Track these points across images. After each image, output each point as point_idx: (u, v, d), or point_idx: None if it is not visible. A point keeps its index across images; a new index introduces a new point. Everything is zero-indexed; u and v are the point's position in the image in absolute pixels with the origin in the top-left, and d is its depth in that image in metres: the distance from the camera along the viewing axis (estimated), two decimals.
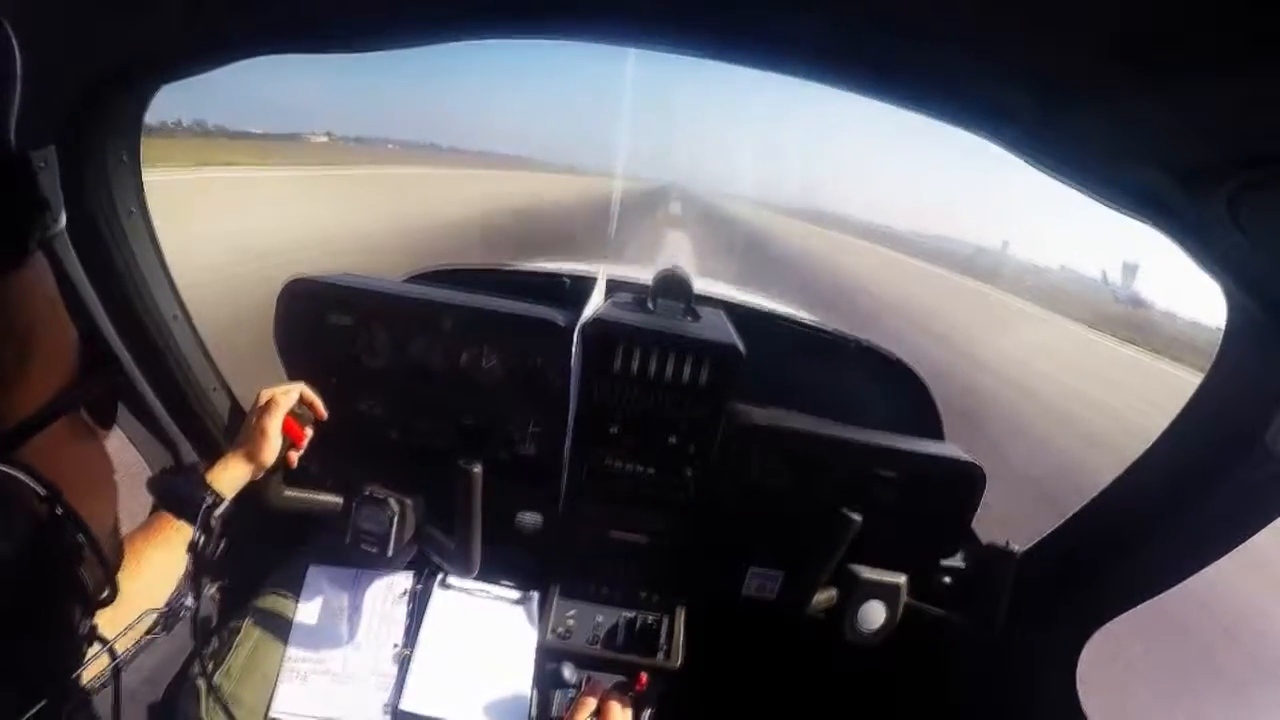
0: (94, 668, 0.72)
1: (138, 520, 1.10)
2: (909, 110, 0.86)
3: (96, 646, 0.65)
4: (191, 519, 1.09)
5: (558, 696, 1.40)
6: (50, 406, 0.51)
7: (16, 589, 0.49)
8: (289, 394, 1.25)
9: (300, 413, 1.27)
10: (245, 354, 1.63)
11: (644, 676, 1.40)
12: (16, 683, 0.51)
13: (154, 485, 1.11)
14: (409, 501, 1.35)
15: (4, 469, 0.47)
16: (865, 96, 0.85)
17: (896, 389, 1.83)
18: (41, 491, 0.49)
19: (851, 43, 0.77)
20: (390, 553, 1.32)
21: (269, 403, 1.21)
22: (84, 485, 0.55)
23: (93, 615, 0.59)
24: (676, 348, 1.39)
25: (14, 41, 0.74)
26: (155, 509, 1.12)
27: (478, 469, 1.25)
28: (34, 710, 0.51)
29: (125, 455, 1.23)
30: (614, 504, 1.53)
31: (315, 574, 1.50)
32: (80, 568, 0.56)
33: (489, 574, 1.49)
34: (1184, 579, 1.14)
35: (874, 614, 1.37)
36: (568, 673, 1.38)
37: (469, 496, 1.26)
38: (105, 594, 0.60)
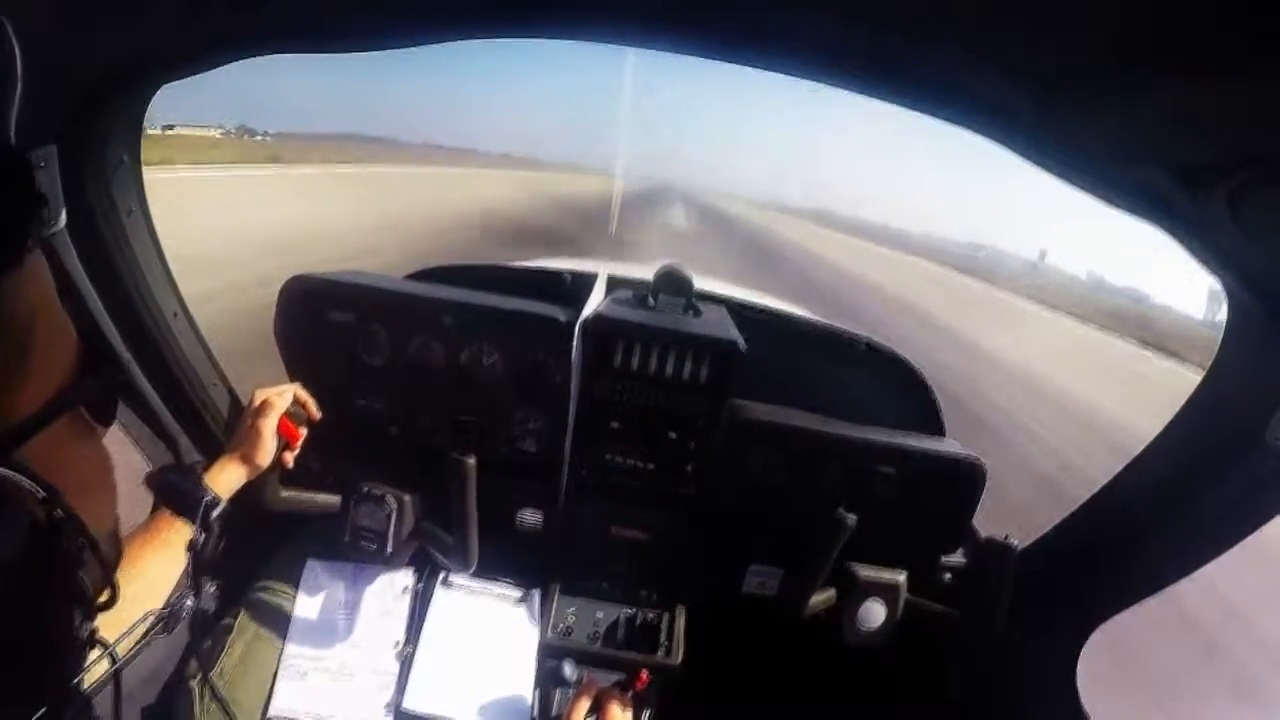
0: (94, 670, 0.72)
1: (136, 520, 1.10)
2: (909, 110, 0.85)
3: (97, 649, 0.65)
4: (191, 516, 1.09)
5: (558, 694, 1.40)
6: (50, 406, 0.51)
7: (16, 592, 0.48)
8: (283, 395, 1.25)
9: (295, 413, 1.28)
10: None
11: (644, 674, 1.40)
12: (17, 687, 0.51)
13: (153, 481, 1.11)
14: (407, 498, 1.35)
15: (2, 470, 0.46)
16: (865, 96, 0.85)
17: (897, 386, 1.83)
18: (40, 493, 0.49)
19: (852, 42, 0.77)
20: (389, 549, 1.33)
21: (263, 404, 1.22)
22: (83, 486, 0.55)
23: (93, 618, 0.59)
24: (677, 344, 1.39)
25: (14, 41, 0.74)
26: (154, 510, 1.12)
27: (471, 460, 1.26)
28: (36, 716, 0.51)
29: (123, 455, 1.23)
30: (614, 501, 1.53)
31: (313, 568, 1.49)
32: (80, 570, 0.55)
33: (490, 572, 1.49)
34: (1185, 575, 1.15)
35: (874, 613, 1.38)
36: (568, 670, 1.38)
37: (463, 489, 1.27)
38: (106, 597, 0.60)
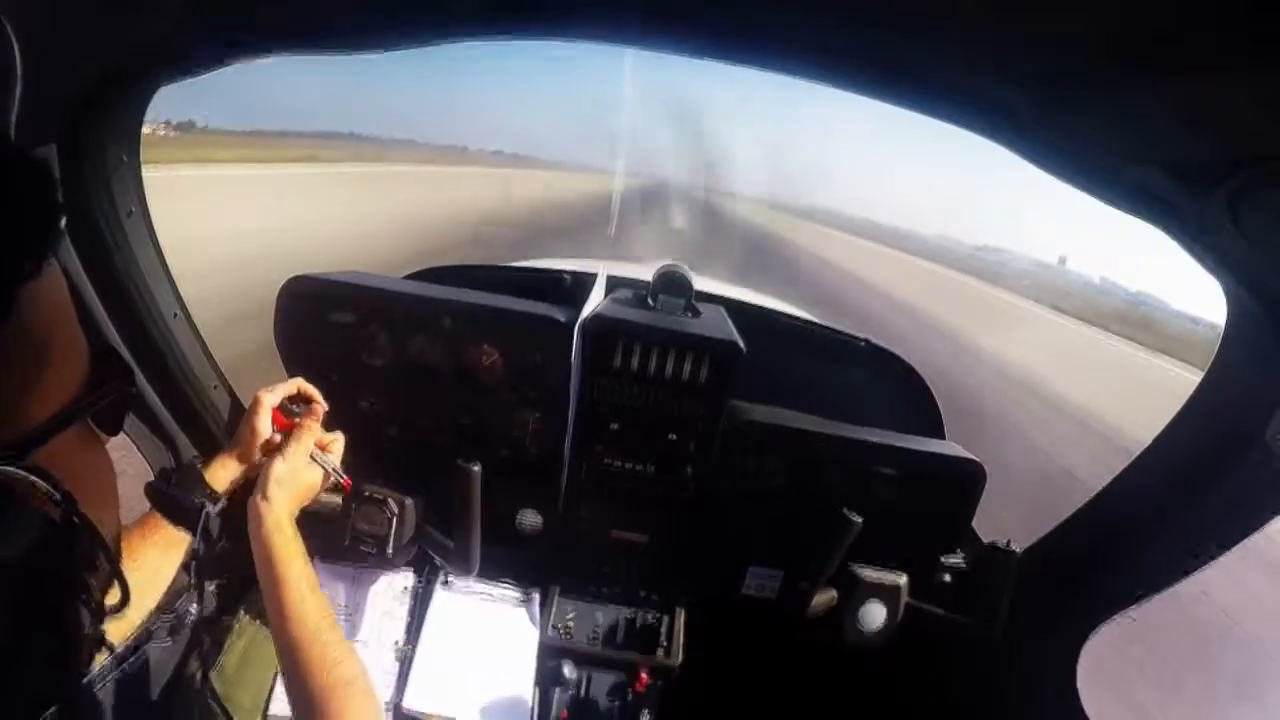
0: (100, 669, 0.73)
1: (132, 517, 1.09)
2: (910, 110, 0.85)
3: (103, 651, 0.66)
4: (188, 526, 1.09)
5: (558, 695, 1.40)
6: (63, 413, 0.52)
7: (29, 591, 0.49)
8: (276, 390, 1.24)
9: (296, 411, 1.27)
10: None
11: (644, 675, 1.40)
12: (28, 685, 0.51)
13: (152, 493, 1.11)
14: (408, 501, 1.35)
15: (20, 472, 0.47)
16: (865, 97, 0.85)
17: (897, 387, 1.83)
18: (57, 496, 0.50)
19: (851, 43, 0.77)
20: (390, 553, 1.32)
21: (258, 399, 1.21)
22: (91, 490, 0.55)
23: (103, 620, 0.59)
24: (676, 345, 1.39)
25: (14, 41, 0.74)
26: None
27: (476, 468, 1.25)
28: (47, 714, 0.51)
29: (124, 455, 1.22)
30: (614, 502, 1.53)
31: (314, 568, 1.49)
32: (92, 575, 0.56)
33: (490, 573, 1.49)
34: (1186, 576, 1.14)
35: (874, 615, 1.38)
36: (567, 671, 1.38)
37: (468, 496, 1.26)
38: (118, 599, 0.60)
